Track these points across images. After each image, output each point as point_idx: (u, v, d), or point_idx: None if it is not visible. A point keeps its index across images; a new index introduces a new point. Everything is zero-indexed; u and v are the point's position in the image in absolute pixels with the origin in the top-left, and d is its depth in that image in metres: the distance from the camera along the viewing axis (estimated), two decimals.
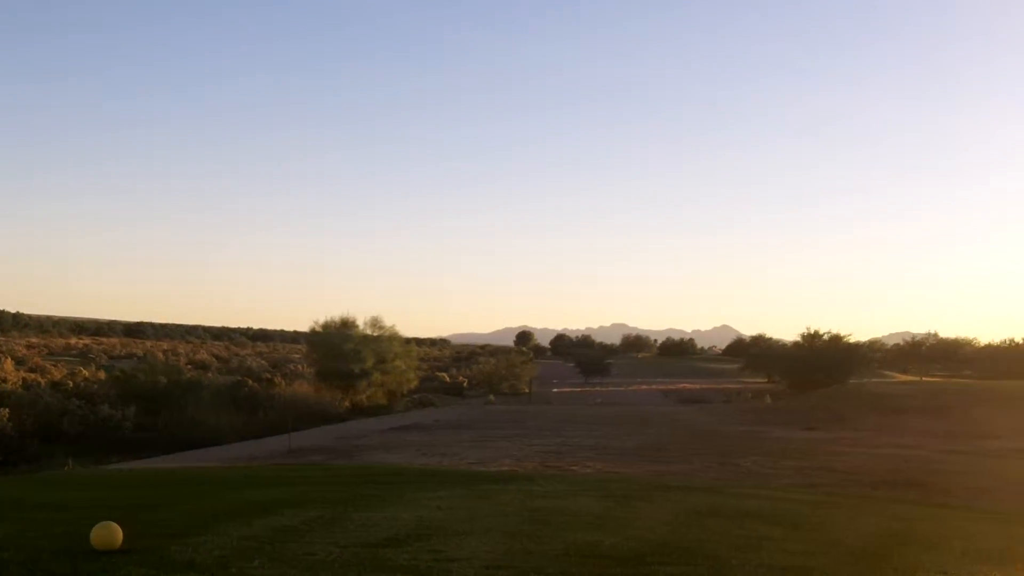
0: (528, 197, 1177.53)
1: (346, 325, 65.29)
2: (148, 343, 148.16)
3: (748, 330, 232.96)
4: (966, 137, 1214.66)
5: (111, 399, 43.89)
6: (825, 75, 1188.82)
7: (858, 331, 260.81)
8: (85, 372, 64.63)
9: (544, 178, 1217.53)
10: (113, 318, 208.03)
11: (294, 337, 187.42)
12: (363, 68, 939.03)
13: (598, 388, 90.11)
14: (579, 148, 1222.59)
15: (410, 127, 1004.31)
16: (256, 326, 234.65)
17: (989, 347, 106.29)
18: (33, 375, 59.02)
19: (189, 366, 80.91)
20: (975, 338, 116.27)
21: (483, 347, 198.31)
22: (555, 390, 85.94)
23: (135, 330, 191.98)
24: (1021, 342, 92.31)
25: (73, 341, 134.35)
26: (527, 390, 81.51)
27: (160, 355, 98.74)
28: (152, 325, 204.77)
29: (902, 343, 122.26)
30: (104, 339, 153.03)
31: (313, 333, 68.18)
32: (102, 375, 59.72)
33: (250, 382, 57.13)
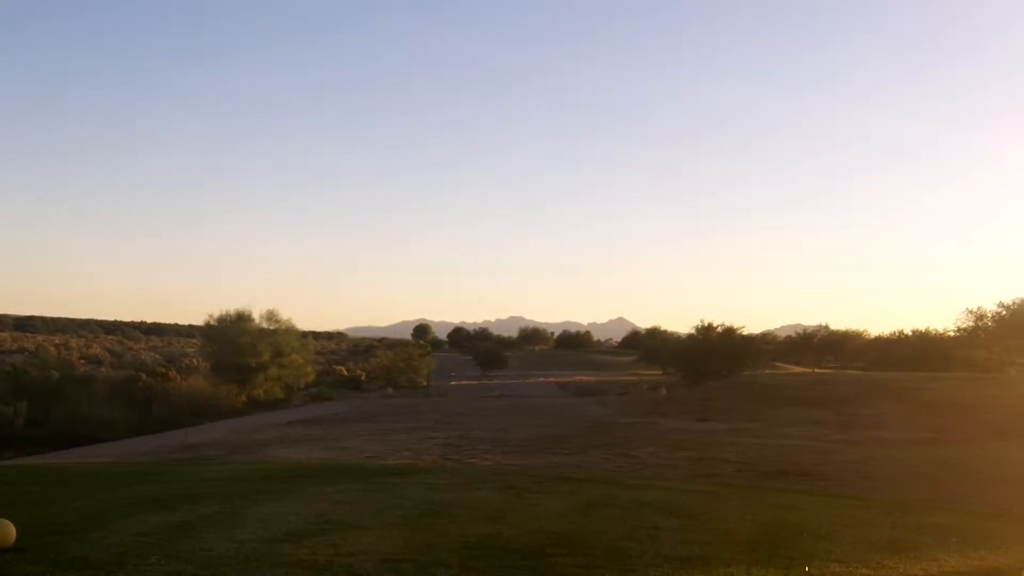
0: (424, 190, 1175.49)
1: (242, 319, 64.66)
2: (39, 337, 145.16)
3: (644, 323, 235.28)
4: (856, 132, 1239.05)
5: (2, 395, 43.04)
6: (718, 71, 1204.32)
7: (751, 323, 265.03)
8: None
9: (440, 171, 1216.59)
10: (2, 312, 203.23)
11: (189, 331, 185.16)
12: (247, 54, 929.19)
13: (496, 381, 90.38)
14: (474, 141, 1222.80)
15: (308, 117, 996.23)
16: (149, 320, 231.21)
17: (879, 339, 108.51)
18: None
19: (82, 361, 79.61)
20: (865, 330, 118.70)
21: (380, 340, 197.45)
22: (453, 383, 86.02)
23: (25, 324, 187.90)
24: (910, 334, 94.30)
25: None
26: (425, 383, 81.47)
27: (52, 350, 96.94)
28: (43, 319, 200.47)
29: (794, 335, 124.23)
30: None
31: (208, 327, 67.44)
32: None
33: (144, 377, 56.26)
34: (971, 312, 78.27)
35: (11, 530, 8.58)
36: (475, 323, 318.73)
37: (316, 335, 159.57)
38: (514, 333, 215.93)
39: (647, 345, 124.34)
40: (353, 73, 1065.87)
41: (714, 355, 71.87)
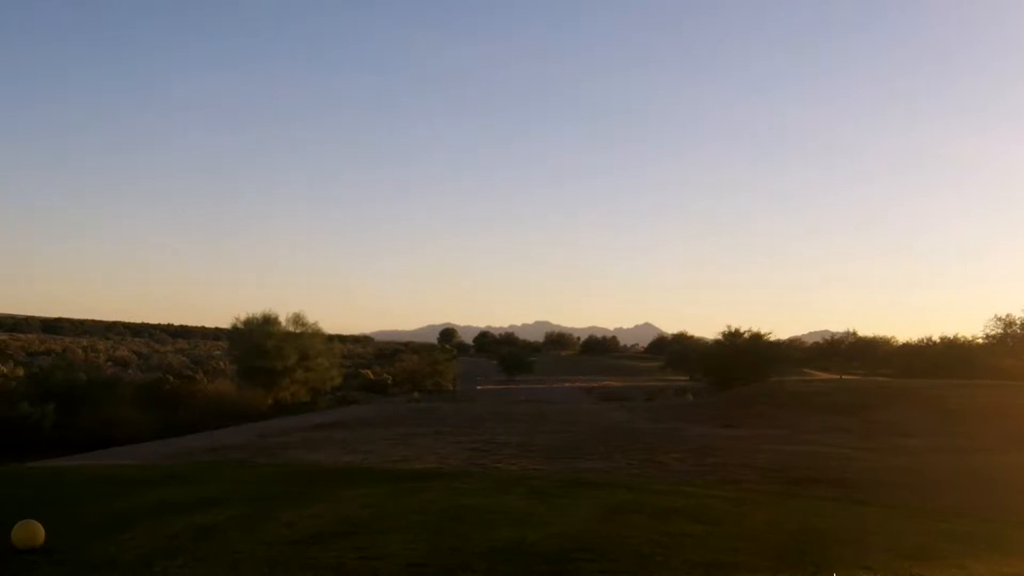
0: (451, 194, 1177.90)
1: (268, 322, 64.73)
2: (67, 340, 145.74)
3: (670, 328, 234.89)
4: (884, 136, 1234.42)
5: (29, 397, 43.17)
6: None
7: (778, 329, 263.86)
8: (3, 369, 63.49)
9: (467, 176, 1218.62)
10: (30, 314, 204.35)
11: (215, 334, 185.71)
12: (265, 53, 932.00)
13: (521, 386, 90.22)
14: (502, 148, 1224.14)
15: (333, 122, 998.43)
16: (176, 322, 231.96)
17: (906, 346, 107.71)
18: None
19: (109, 363, 79.89)
20: (893, 337, 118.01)
21: (406, 344, 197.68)
22: (479, 387, 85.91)
23: (53, 326, 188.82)
24: (937, 341, 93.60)
25: None
26: (451, 387, 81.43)
27: (79, 352, 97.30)
28: (71, 321, 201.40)
29: (821, 341, 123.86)
30: (21, 335, 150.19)
31: (235, 330, 67.50)
32: (20, 372, 58.73)
33: (171, 379, 56.45)
34: (1000, 319, 77.74)
35: (39, 531, 8.65)
36: (501, 327, 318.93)
37: (342, 339, 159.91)
38: (540, 338, 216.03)
39: (673, 350, 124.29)
40: (381, 81, 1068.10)
41: (741, 361, 71.62)
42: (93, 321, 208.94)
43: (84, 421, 41.19)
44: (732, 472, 23.24)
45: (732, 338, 76.95)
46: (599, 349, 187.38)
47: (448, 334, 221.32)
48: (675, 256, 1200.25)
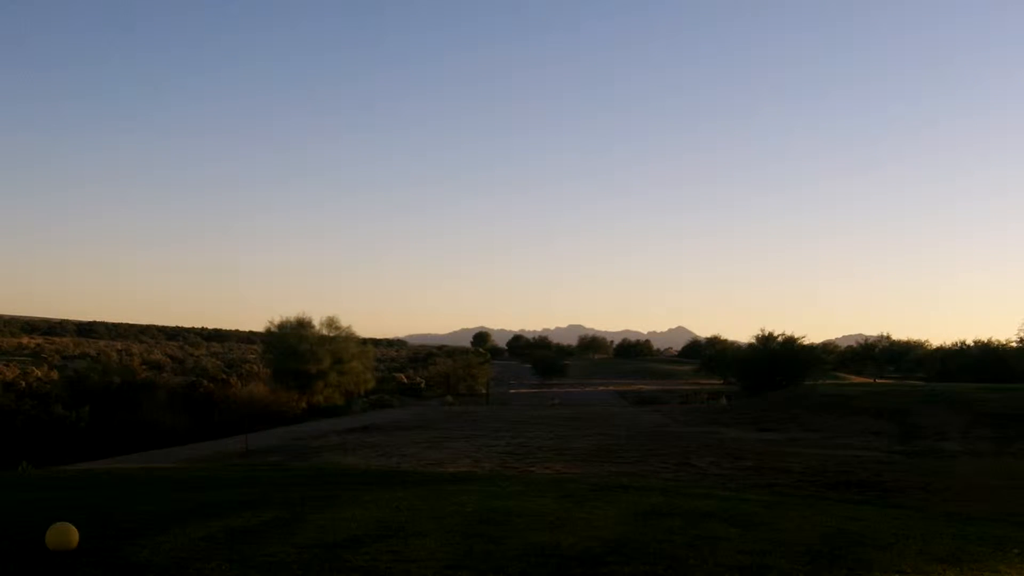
0: (486, 199, 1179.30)
1: (302, 325, 64.88)
2: (101, 343, 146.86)
3: (704, 332, 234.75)
4: (917, 139, 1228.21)
5: (64, 399, 43.45)
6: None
7: (812, 333, 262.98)
8: (38, 372, 64.14)
9: (502, 182, 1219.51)
10: (65, 317, 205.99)
11: (249, 337, 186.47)
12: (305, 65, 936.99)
13: (555, 389, 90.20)
14: (534, 154, 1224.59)
15: (376, 129, 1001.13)
16: (210, 326, 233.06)
17: (940, 349, 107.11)
18: None
19: (143, 366, 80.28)
20: (927, 340, 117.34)
21: (440, 348, 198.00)
22: (512, 391, 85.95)
23: (87, 330, 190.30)
24: (971, 344, 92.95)
25: (24, 341, 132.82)
26: (484, 391, 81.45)
27: (114, 355, 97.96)
28: (105, 324, 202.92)
29: (855, 345, 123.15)
30: (56, 339, 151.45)
31: (268, 333, 67.64)
32: (55, 375, 59.19)
33: (205, 383, 56.70)
34: None
35: (73, 533, 8.70)
36: (535, 331, 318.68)
37: (376, 342, 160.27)
38: (573, 341, 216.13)
39: (707, 354, 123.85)
40: (422, 93, 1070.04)
41: (774, 365, 71.35)
42: (127, 324, 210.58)
43: (119, 424, 41.41)
44: (766, 476, 23.17)
45: (766, 342, 76.65)
46: (632, 353, 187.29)
47: (482, 338, 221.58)
48: (709, 260, 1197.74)
